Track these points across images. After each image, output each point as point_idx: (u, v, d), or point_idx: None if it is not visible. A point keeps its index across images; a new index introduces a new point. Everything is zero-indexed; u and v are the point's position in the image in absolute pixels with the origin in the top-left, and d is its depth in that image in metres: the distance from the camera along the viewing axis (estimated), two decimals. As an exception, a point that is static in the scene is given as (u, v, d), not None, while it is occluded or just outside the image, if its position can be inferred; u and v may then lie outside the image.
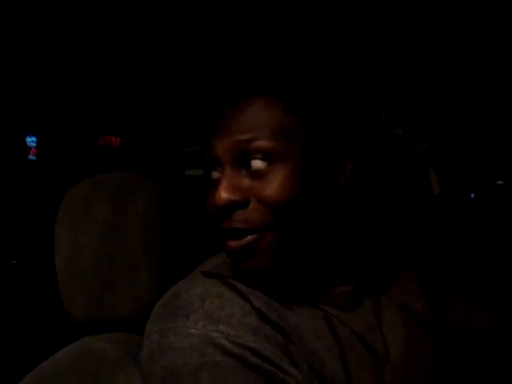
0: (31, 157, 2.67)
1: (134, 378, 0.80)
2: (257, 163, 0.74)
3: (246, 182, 0.75)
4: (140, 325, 0.90)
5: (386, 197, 1.05)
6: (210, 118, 0.80)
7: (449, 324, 0.92)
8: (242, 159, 0.75)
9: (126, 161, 2.66)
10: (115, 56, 2.34)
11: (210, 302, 0.72)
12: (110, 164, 2.66)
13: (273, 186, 0.74)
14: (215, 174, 0.78)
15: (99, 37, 2.13)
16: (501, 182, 2.60)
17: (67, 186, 0.96)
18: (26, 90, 2.52)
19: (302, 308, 0.79)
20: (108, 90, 2.60)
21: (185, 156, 2.17)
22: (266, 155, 0.74)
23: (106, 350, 0.84)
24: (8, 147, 2.67)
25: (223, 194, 0.73)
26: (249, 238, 0.74)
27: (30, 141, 2.69)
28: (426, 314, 0.91)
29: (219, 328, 0.69)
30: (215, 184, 0.78)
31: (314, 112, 0.78)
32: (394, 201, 1.11)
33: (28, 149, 2.66)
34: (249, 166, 0.75)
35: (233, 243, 0.75)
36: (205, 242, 1.06)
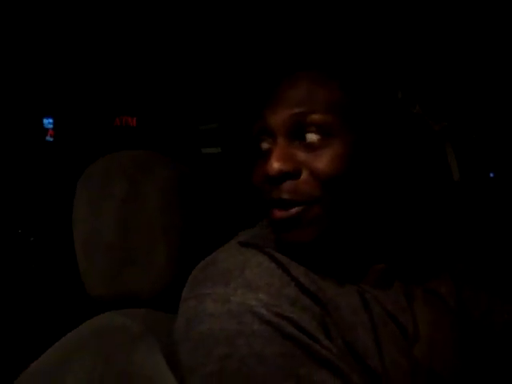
0: (48, 138, 2.68)
1: (154, 352, 0.81)
2: (311, 136, 0.76)
3: (298, 153, 0.76)
4: (159, 300, 0.91)
5: (409, 178, 1.05)
6: (262, 89, 0.81)
7: (472, 311, 0.93)
8: (296, 131, 0.76)
9: (142, 141, 2.67)
10: (131, 34, 2.33)
11: (249, 270, 0.73)
12: (127, 144, 2.66)
13: (326, 160, 0.75)
14: (265, 145, 0.79)
15: (116, 15, 2.12)
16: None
17: (84, 167, 0.97)
18: (42, 71, 2.53)
19: (338, 282, 0.80)
20: (124, 69, 2.60)
21: (201, 134, 2.17)
22: (320, 129, 0.75)
23: (126, 325, 0.84)
24: (25, 129, 2.68)
25: (275, 164, 0.74)
26: (296, 209, 0.75)
27: (47, 122, 2.71)
28: (451, 298, 0.91)
29: (258, 296, 0.70)
30: (265, 154, 0.79)
31: (364, 90, 0.80)
32: (416, 182, 1.11)
33: (45, 130, 2.67)
34: (303, 138, 0.76)
35: (280, 213, 0.76)
36: (223, 218, 1.06)
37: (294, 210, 0.75)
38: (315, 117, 0.75)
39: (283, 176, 0.75)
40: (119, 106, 2.73)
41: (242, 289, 0.71)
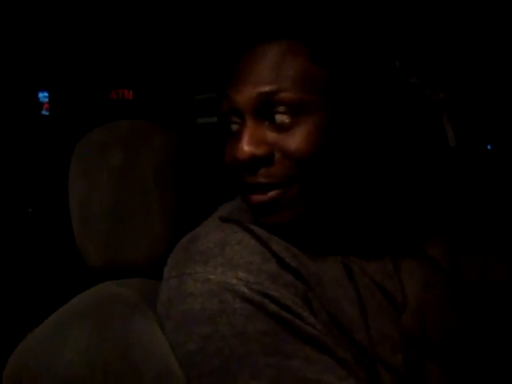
0: (44, 112, 2.67)
1: (150, 322, 0.81)
2: (281, 117, 0.71)
3: (269, 134, 0.72)
4: (155, 270, 0.91)
5: (402, 147, 1.04)
6: (226, 65, 0.77)
7: (466, 273, 0.92)
8: (264, 111, 0.72)
9: (139, 114, 2.65)
10: (126, 9, 2.30)
11: (229, 248, 0.72)
12: (123, 117, 2.66)
13: (298, 140, 0.71)
14: (234, 126, 0.76)
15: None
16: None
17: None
18: (36, 45, 2.50)
19: (321, 255, 0.79)
20: (119, 41, 2.57)
21: (197, 104, 2.15)
22: (290, 107, 0.71)
23: (123, 294, 0.85)
24: (21, 103, 2.66)
25: (246, 148, 0.71)
26: (274, 192, 0.73)
27: (43, 96, 2.69)
28: (444, 260, 0.90)
29: (238, 275, 0.69)
30: (235, 136, 0.75)
31: (338, 60, 0.74)
32: (409, 151, 1.10)
33: (41, 104, 2.66)
34: (272, 118, 0.72)
35: (257, 197, 0.74)
36: (217, 189, 1.06)
37: (271, 194, 0.73)
38: (283, 95, 0.70)
39: (255, 160, 0.72)
40: (115, 78, 2.70)
41: (221, 267, 0.70)
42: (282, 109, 0.71)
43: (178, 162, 0.92)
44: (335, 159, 0.74)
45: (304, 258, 0.76)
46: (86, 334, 0.79)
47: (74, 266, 1.06)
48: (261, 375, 0.64)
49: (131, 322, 0.81)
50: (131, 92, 2.71)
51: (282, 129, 0.72)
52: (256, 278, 0.69)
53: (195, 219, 0.93)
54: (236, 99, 0.73)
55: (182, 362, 0.71)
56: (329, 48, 0.73)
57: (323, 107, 0.72)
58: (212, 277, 0.69)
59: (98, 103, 2.66)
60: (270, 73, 0.71)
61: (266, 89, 0.71)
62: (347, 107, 0.75)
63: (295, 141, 0.71)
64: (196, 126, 2.11)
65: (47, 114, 2.66)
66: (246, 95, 0.72)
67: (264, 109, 0.72)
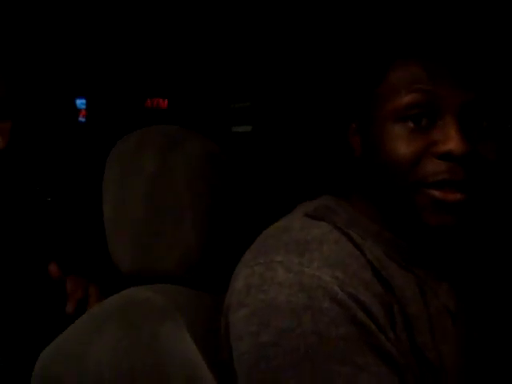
0: (81, 119, 2.71)
1: (180, 328, 0.81)
2: (486, 122, 0.73)
3: (472, 136, 0.73)
4: (185, 277, 0.91)
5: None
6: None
7: None
8: (470, 113, 0.73)
9: (173, 123, 2.68)
10: (163, 16, 2.33)
11: (327, 245, 0.70)
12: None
13: (495, 146, 0.73)
14: (424, 121, 0.73)
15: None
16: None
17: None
18: (74, 52, 2.55)
19: (404, 270, 0.77)
20: (155, 50, 2.60)
21: (232, 112, 2.16)
22: (492, 116, 0.74)
23: (152, 299, 0.85)
24: (59, 110, 2.71)
25: (463, 143, 0.70)
26: (463, 195, 0.71)
27: (80, 103, 2.74)
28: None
29: (334, 274, 0.67)
30: (419, 125, 0.73)
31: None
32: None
33: (78, 111, 2.70)
34: (476, 121, 0.73)
35: (452, 195, 0.71)
36: (251, 197, 1.06)
37: (464, 195, 0.72)
38: (495, 103, 0.74)
39: (468, 156, 0.71)
40: (151, 87, 2.74)
41: (318, 262, 0.67)
42: (488, 115, 0.73)
43: (211, 170, 0.92)
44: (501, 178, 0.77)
45: (391, 271, 0.75)
46: (115, 337, 0.79)
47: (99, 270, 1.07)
48: (329, 382, 0.63)
49: (160, 326, 0.81)
50: (166, 101, 2.75)
51: (484, 134, 0.73)
52: (351, 281, 0.67)
53: (227, 228, 0.93)
54: (445, 93, 0.72)
55: (245, 353, 0.68)
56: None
57: (503, 123, 0.75)
58: (306, 269, 0.67)
59: (133, 111, 2.69)
60: (479, 78, 0.73)
61: (482, 94, 0.73)
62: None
63: (494, 148, 0.73)
64: (231, 135, 2.12)
65: (84, 120, 2.71)
66: (459, 93, 0.72)
67: (472, 111, 0.73)
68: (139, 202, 0.88)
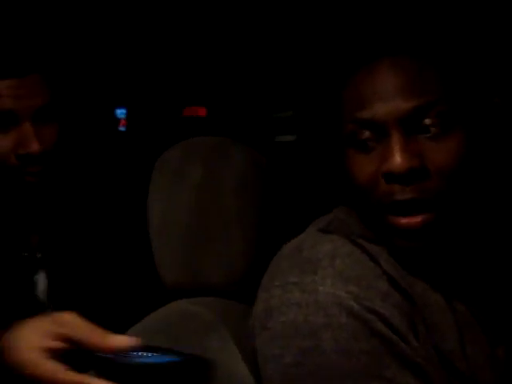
0: (121, 128, 2.75)
1: (226, 341, 0.80)
2: (434, 128, 0.68)
3: (419, 146, 0.68)
4: (231, 290, 0.90)
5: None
6: (338, 81, 0.75)
7: None
8: (414, 123, 0.69)
9: (212, 131, 2.69)
10: (200, 26, 2.34)
11: (340, 260, 0.69)
12: (197, 134, 2.69)
13: (451, 153, 0.68)
14: (369, 142, 0.71)
15: (187, 7, 2.14)
16: None
17: (155, 156, 0.96)
18: (115, 63, 2.58)
19: (425, 277, 0.74)
20: (193, 60, 2.62)
21: (275, 121, 2.15)
22: (443, 120, 0.68)
23: (200, 313, 0.84)
24: (99, 119, 2.75)
25: (401, 159, 0.66)
26: (426, 216, 0.68)
27: (120, 113, 2.78)
28: None
29: (348, 288, 0.66)
30: (368, 151, 0.71)
31: (471, 79, 0.73)
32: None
33: (118, 120, 2.74)
34: (422, 130, 0.69)
35: (407, 220, 0.68)
36: (297, 206, 1.04)
37: (424, 217, 0.68)
38: (438, 108, 0.68)
39: (411, 172, 0.67)
40: (189, 96, 2.76)
41: (331, 279, 0.67)
42: (434, 121, 0.68)
43: (258, 180, 0.91)
44: (476, 178, 0.72)
45: (411, 279, 0.73)
46: (163, 352, 0.78)
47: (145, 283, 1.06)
48: None
49: (207, 340, 0.80)
50: (204, 109, 2.76)
51: (433, 141, 0.69)
52: (366, 294, 0.66)
53: (274, 239, 0.92)
54: (379, 110, 0.69)
55: (272, 375, 0.68)
56: (464, 66, 0.72)
57: (469, 120, 0.70)
58: (321, 288, 0.67)
59: (171, 120, 2.72)
60: (416, 85, 0.69)
61: (422, 101, 0.68)
62: (478, 127, 0.72)
63: (448, 154, 0.68)
64: (274, 144, 2.11)
65: (124, 129, 2.75)
66: (393, 107, 0.68)
67: (414, 121, 0.69)
68: (185, 214, 0.87)
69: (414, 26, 0.74)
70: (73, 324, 0.62)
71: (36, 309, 0.93)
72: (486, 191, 0.78)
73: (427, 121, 0.68)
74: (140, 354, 0.60)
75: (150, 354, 0.60)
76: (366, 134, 0.71)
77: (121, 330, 0.89)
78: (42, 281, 0.96)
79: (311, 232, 0.78)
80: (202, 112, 2.76)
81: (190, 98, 2.75)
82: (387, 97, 0.69)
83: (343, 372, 0.62)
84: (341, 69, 0.76)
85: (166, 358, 0.59)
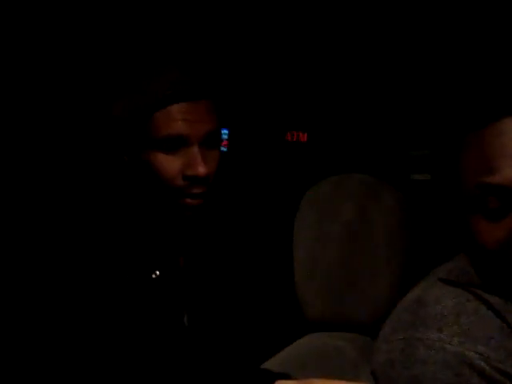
0: (223, 148, 2.80)
1: (370, 381, 0.80)
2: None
3: None
4: (373, 327, 0.90)
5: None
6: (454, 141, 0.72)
7: None
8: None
9: (313, 157, 2.70)
10: (304, 48, 2.37)
11: (465, 318, 0.68)
12: (298, 160, 2.71)
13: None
14: (494, 204, 0.68)
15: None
16: None
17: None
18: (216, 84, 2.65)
19: None
20: (297, 84, 2.65)
21: (412, 159, 2.14)
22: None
23: (345, 349, 0.85)
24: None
25: None
26: None
27: (223, 133, 2.83)
28: None
29: (477, 349, 0.65)
30: (495, 216, 0.68)
31: None
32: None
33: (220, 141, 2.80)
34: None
35: None
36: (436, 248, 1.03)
37: None
38: None
39: None
40: (291, 120, 2.78)
41: (458, 337, 0.66)
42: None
43: (405, 222, 0.91)
44: None
45: None
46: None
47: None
48: None
49: (356, 377, 0.80)
50: (306, 134, 2.78)
51: None
52: (496, 355, 0.65)
53: (414, 279, 0.91)
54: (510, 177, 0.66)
55: None
56: None
57: None
58: (448, 346, 0.66)
59: (273, 143, 2.75)
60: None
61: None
62: None
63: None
64: (410, 182, 2.10)
65: (225, 150, 2.81)
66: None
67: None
68: (335, 250, 0.89)
69: None
70: None
71: (179, 333, 0.96)
72: None
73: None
74: None
75: None
76: (495, 201, 0.67)
77: (256, 359, 0.91)
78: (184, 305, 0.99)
79: (431, 283, 0.77)
80: (303, 137, 2.79)
81: (293, 123, 2.78)
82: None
83: None
84: (464, 124, 0.74)
85: None
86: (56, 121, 1.96)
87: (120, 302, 0.92)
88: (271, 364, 0.88)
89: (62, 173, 1.89)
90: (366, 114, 2.38)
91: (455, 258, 0.82)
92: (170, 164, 0.91)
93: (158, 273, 0.95)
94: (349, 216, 0.89)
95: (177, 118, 0.91)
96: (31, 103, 1.92)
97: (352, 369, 0.82)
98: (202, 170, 0.90)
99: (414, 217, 0.95)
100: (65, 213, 1.05)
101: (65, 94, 1.96)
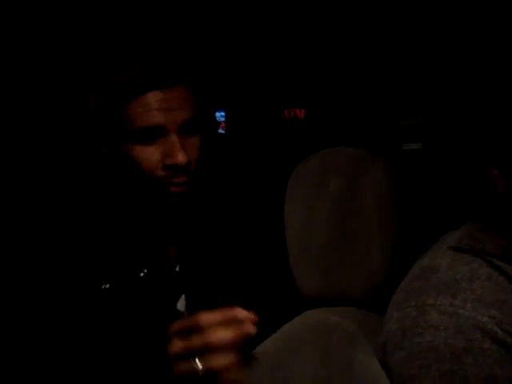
0: (221, 131, 2.80)
1: (371, 355, 0.80)
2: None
3: None
4: (368, 301, 0.89)
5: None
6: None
7: None
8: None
9: (311, 134, 2.68)
10: (301, 27, 2.35)
11: (478, 283, 0.68)
12: (295, 137, 2.70)
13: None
14: None
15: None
16: None
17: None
18: (214, 66, 2.64)
19: None
20: (293, 61, 2.63)
21: (402, 129, 2.12)
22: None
23: (342, 324, 0.84)
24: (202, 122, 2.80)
25: None
26: None
27: (220, 115, 2.83)
28: None
29: (491, 313, 0.65)
30: None
31: None
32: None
33: (218, 123, 2.79)
34: None
35: None
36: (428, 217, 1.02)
37: None
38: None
39: None
40: (288, 97, 2.77)
41: (471, 302, 0.66)
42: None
43: (397, 193, 0.90)
44: None
45: None
46: (314, 363, 0.79)
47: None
48: None
49: (353, 354, 0.80)
50: (303, 111, 2.76)
51: None
52: (509, 319, 0.65)
53: (411, 252, 0.90)
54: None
55: None
56: None
57: None
58: (461, 311, 0.66)
59: (270, 122, 2.74)
60: None
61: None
62: None
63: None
64: (401, 152, 2.08)
65: (223, 132, 2.80)
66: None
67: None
68: (326, 224, 0.88)
69: None
70: None
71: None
72: None
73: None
74: None
75: None
76: None
77: (258, 338, 0.91)
78: (181, 293, 0.98)
79: (442, 250, 0.76)
80: (300, 114, 2.77)
81: (290, 100, 2.76)
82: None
83: None
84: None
85: None
86: (35, 115, 1.95)
87: (111, 298, 0.91)
88: (269, 343, 0.88)
89: (44, 168, 1.89)
90: (357, 89, 2.36)
91: (465, 226, 0.81)
92: (149, 155, 0.89)
93: (145, 271, 0.94)
94: (337, 189, 0.88)
95: (152, 108, 0.88)
96: (9, 99, 1.91)
97: (350, 343, 0.81)
98: (181, 158, 0.88)
99: (405, 187, 0.94)
100: (48, 208, 1.04)
101: (43, 88, 1.95)
